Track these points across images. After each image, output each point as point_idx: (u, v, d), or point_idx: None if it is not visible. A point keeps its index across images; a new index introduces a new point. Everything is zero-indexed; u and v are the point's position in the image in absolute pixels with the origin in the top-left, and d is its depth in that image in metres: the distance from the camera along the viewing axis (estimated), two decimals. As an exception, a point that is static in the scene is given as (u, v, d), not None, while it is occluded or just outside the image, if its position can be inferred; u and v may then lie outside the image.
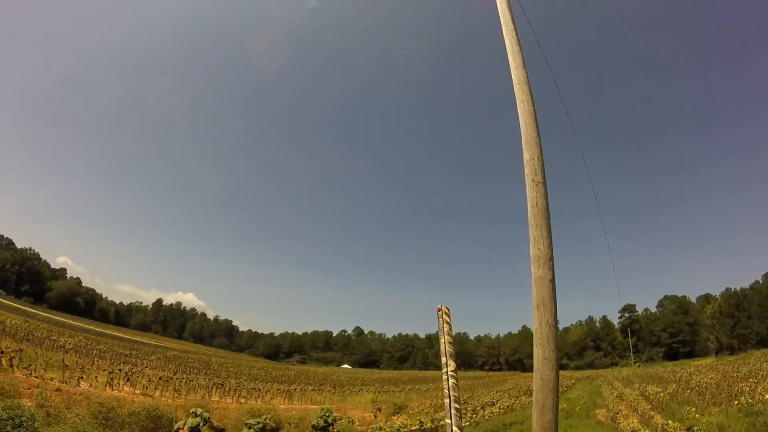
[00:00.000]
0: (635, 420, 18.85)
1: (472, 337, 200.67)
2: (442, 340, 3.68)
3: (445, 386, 3.36)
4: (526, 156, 7.40)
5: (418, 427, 17.92)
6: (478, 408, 28.59)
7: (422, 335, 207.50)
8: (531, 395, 37.57)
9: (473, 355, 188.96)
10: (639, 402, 26.74)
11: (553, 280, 6.60)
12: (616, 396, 32.81)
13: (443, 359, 3.56)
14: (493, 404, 31.75)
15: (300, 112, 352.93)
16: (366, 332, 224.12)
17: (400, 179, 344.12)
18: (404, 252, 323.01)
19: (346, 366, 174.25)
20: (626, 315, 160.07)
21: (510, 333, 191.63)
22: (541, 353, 6.22)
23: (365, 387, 58.71)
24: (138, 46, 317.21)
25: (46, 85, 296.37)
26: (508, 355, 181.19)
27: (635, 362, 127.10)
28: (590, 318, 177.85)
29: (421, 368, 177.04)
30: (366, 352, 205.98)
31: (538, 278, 6.59)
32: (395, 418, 26.43)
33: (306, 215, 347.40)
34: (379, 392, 48.61)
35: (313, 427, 11.34)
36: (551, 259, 6.73)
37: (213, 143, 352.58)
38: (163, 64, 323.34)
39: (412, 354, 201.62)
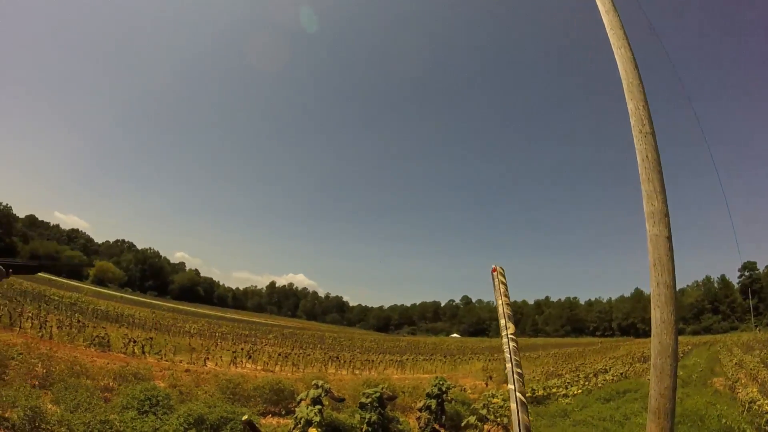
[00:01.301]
0: (755, 389, 17.52)
1: (582, 302, 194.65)
2: (500, 302, 3.53)
3: (506, 350, 3.20)
4: (630, 106, 6.93)
5: (530, 394, 17.88)
6: (591, 375, 27.88)
7: (531, 302, 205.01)
8: (645, 362, 36.41)
9: (584, 321, 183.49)
10: (759, 370, 25.37)
11: (669, 238, 6.20)
12: (735, 363, 31.14)
13: (502, 322, 3.40)
14: (605, 371, 30.85)
15: (374, 89, 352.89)
16: (474, 301, 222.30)
17: (490, 144, 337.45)
18: (508, 218, 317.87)
19: (455, 335, 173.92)
20: (746, 274, 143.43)
21: (622, 296, 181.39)
22: (659, 316, 5.93)
23: (475, 355, 58.73)
24: (222, 49, 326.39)
25: (145, 98, 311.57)
26: (620, 320, 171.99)
27: (756, 326, 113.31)
28: (707, 278, 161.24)
29: (530, 335, 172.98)
30: (474, 321, 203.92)
31: (654, 236, 6.24)
32: (506, 386, 26.42)
33: (405, 191, 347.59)
34: (489, 360, 48.39)
35: (428, 395, 11.58)
36: (666, 215, 6.30)
37: (301, 133, 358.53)
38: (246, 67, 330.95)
39: (521, 321, 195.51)
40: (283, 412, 13.87)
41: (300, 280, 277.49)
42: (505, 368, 3.17)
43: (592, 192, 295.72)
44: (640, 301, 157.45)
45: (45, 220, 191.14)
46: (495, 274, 3.70)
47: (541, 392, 19.03)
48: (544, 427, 11.41)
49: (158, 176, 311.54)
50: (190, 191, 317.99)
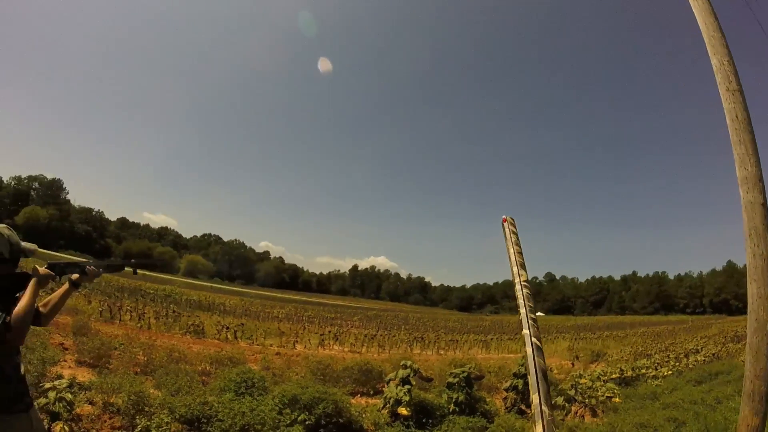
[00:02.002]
0: None
1: (671, 277, 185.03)
2: (511, 251, 3.42)
3: (519, 296, 3.10)
4: (714, 62, 6.42)
5: (618, 375, 17.36)
6: (681, 356, 26.66)
7: (617, 277, 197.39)
8: (739, 342, 34.49)
9: (673, 297, 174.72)
10: None
11: (765, 205, 5.65)
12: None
13: (514, 269, 3.29)
14: (696, 351, 29.39)
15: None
16: (558, 278, 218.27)
17: (563, 114, 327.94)
18: (591, 191, 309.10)
19: (539, 314, 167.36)
20: None
21: (714, 270, 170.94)
22: (755, 290, 5.44)
23: (560, 334, 57.69)
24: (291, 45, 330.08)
25: (218, 98, 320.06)
26: (712, 296, 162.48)
27: None
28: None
29: (617, 312, 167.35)
30: (559, 299, 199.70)
31: (749, 203, 5.71)
32: (594, 365, 25.71)
33: (483, 168, 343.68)
34: (575, 339, 47.42)
35: (514, 374, 11.41)
36: (761, 179, 5.76)
37: (373, 118, 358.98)
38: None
39: (607, 298, 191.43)
40: (371, 392, 14.02)
41: (382, 263, 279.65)
42: (519, 314, 3.14)
43: (679, 159, 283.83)
44: (733, 275, 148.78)
45: (135, 221, 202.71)
46: (506, 224, 3.62)
47: (629, 373, 18.35)
48: (632, 410, 11.04)
49: (238, 172, 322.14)
50: (269, 183, 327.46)
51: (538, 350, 2.86)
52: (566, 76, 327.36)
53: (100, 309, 26.90)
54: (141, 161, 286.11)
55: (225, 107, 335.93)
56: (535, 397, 2.63)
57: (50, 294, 3.54)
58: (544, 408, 2.51)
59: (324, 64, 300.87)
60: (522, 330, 3.02)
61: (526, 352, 2.93)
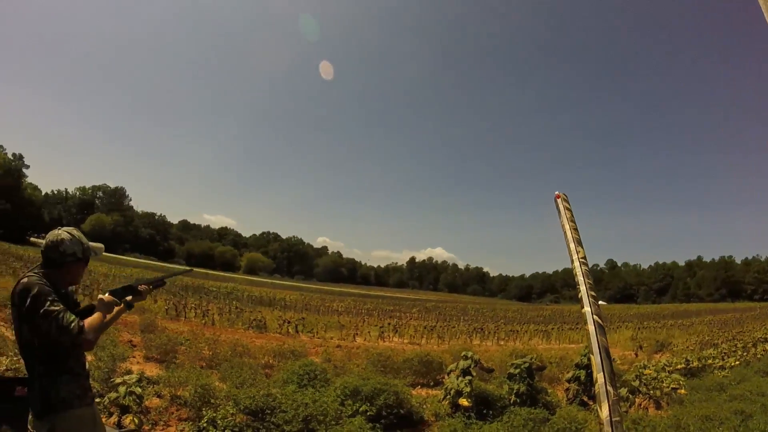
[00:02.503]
0: None
1: (738, 261, 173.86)
2: (566, 227, 3.18)
3: (578, 272, 2.91)
4: None
5: (683, 365, 16.79)
6: (749, 345, 25.54)
7: (681, 263, 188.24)
8: None
9: (741, 283, 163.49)
10: None
11: None
12: None
13: (571, 246, 3.08)
14: (766, 340, 27.94)
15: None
16: (620, 264, 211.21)
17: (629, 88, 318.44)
18: (651, 171, 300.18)
19: (601, 302, 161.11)
20: None
21: None
22: None
23: (623, 323, 56.08)
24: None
25: (264, 97, 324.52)
26: None
27: None
28: None
29: (682, 300, 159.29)
30: (621, 286, 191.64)
31: None
32: (658, 356, 24.91)
33: (540, 150, 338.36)
34: (638, 329, 46.05)
35: (576, 365, 11.15)
36: None
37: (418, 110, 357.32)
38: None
39: (672, 285, 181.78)
40: (432, 384, 14.00)
41: (439, 254, 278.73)
42: (579, 292, 2.92)
43: (746, 134, 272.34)
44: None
45: (196, 223, 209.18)
46: (559, 200, 3.41)
47: (695, 363, 17.69)
48: (698, 402, 10.67)
49: (294, 170, 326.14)
50: (325, 180, 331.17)
51: (600, 328, 2.68)
52: (628, 47, 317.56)
53: (165, 307, 27.80)
54: (198, 165, 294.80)
55: (275, 106, 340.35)
56: (599, 377, 2.48)
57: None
58: (609, 388, 2.38)
59: (325, 69, 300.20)
60: (582, 308, 2.86)
61: (588, 330, 2.78)
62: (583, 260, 3.00)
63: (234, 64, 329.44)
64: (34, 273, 3.14)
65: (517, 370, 9.80)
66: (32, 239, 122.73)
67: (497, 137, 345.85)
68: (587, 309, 2.77)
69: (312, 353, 16.42)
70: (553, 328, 43.64)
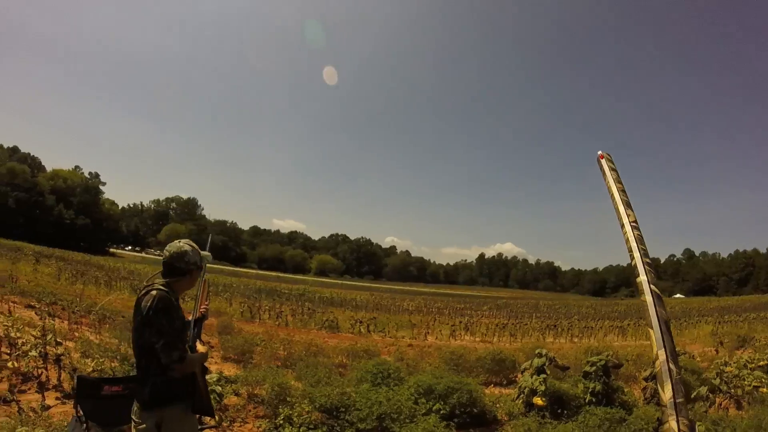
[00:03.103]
0: None
1: None
2: (613, 189, 2.81)
3: (630, 238, 2.60)
4: None
5: (766, 362, 15.93)
6: None
7: (763, 249, 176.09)
8: None
9: None
10: None
11: None
12: None
13: (620, 209, 2.74)
14: None
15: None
16: (698, 254, 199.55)
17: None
18: (731, 150, 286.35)
19: (678, 295, 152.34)
20: None
21: None
22: None
23: (702, 318, 53.54)
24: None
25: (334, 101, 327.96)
26: None
27: None
28: None
29: (764, 291, 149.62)
30: (699, 278, 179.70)
31: None
32: (740, 352, 23.63)
33: (615, 132, 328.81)
34: (719, 323, 43.93)
35: (654, 362, 10.68)
36: None
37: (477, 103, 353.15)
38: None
39: (753, 275, 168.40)
40: (504, 382, 13.85)
41: (508, 249, 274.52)
42: (632, 259, 2.66)
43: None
44: None
45: (266, 228, 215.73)
46: (603, 160, 3.11)
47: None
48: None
49: (358, 172, 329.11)
50: (390, 180, 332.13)
51: (658, 299, 2.47)
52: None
53: (240, 310, 28.73)
54: (266, 173, 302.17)
55: (338, 109, 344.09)
56: (660, 353, 2.30)
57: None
58: (671, 366, 2.20)
59: (328, 75, 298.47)
60: (637, 277, 2.64)
61: (645, 302, 2.57)
62: (634, 224, 2.75)
63: (299, 72, 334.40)
64: (162, 286, 3.47)
65: (593, 368, 9.57)
66: (111, 250, 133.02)
67: (564, 124, 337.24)
68: (643, 278, 2.61)
69: (384, 352, 16.52)
70: (628, 324, 42.19)
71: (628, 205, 2.98)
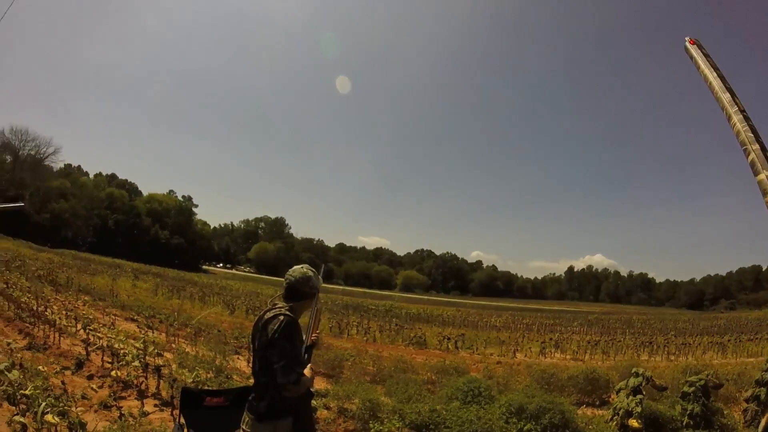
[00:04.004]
0: None
1: None
2: (709, 76, 2.33)
3: (739, 129, 2.16)
4: None
5: None
6: None
7: None
8: None
9: None
10: None
11: None
12: None
13: (723, 97, 2.28)
14: None
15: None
16: None
17: None
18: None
19: None
20: None
21: None
22: None
23: None
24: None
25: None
26: None
27: None
28: None
29: None
30: None
31: None
32: None
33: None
34: None
35: (757, 382, 10.02)
36: None
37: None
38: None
39: None
40: (597, 403, 13.45)
41: (598, 261, 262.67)
42: (747, 154, 2.23)
43: None
44: None
45: (352, 245, 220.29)
46: (692, 46, 2.70)
47: None
48: None
49: (440, 187, 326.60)
50: (473, 194, 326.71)
51: None
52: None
53: (329, 325, 29.20)
54: (349, 191, 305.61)
55: (416, 124, 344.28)
56: None
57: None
58: None
59: (341, 83, 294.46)
60: (757, 175, 2.29)
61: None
62: (744, 113, 2.49)
63: (373, 85, 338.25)
64: (287, 311, 3.78)
65: (692, 389, 9.13)
66: (204, 266, 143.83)
67: (653, 123, 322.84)
68: (763, 175, 2.34)
69: (473, 370, 16.37)
70: (729, 340, 39.92)
71: (731, 92, 2.62)
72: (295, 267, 4.05)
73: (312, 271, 4.05)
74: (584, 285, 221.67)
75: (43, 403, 5.81)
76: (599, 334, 44.93)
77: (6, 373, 6.89)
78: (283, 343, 3.59)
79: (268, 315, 3.76)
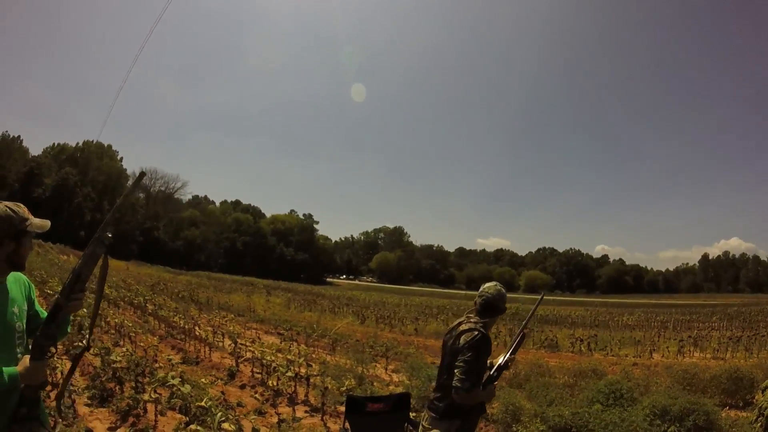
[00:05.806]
0: None
1: None
2: None
3: None
4: None
5: None
6: None
7: None
8: None
9: None
10: None
11: None
12: None
13: None
14: None
15: None
16: None
17: None
18: None
19: None
20: None
21: None
22: None
23: None
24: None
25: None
26: None
27: None
28: None
29: None
30: None
31: None
32: None
33: None
34: None
35: None
36: None
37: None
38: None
39: None
40: (741, 404, 12.96)
41: (735, 246, 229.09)
42: None
43: None
44: None
45: (472, 249, 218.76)
46: None
47: None
48: None
49: (556, 182, 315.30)
50: (592, 185, 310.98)
51: None
52: None
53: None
54: (466, 194, 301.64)
55: (525, 117, 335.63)
56: None
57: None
58: None
59: (356, 91, 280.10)
60: None
61: None
62: None
63: (486, 93, 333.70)
64: (482, 327, 4.18)
65: None
66: (328, 279, 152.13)
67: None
68: None
69: (609, 372, 16.23)
70: None
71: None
72: (489, 284, 4.35)
73: (502, 286, 4.33)
74: (721, 274, 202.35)
75: (219, 413, 6.69)
76: (741, 329, 42.09)
77: (180, 388, 7.98)
78: (470, 354, 3.98)
79: (464, 327, 4.17)
